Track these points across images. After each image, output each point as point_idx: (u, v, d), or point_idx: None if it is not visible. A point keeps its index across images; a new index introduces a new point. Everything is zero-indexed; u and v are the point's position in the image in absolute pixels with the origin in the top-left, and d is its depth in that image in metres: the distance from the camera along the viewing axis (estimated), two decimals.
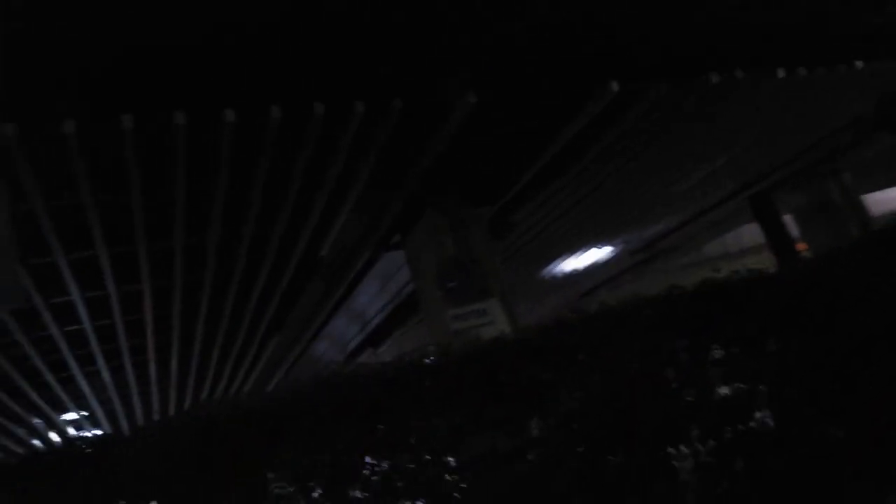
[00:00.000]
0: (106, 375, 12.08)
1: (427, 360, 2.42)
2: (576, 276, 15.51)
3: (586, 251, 14.02)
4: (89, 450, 2.04)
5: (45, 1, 4.46)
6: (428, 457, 2.25)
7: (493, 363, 2.45)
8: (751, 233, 15.92)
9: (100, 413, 14.67)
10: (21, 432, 14.17)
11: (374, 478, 2.24)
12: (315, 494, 2.14)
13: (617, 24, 6.61)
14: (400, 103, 6.36)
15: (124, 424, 15.56)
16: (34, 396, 12.08)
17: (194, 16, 4.91)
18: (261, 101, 5.76)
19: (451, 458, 2.28)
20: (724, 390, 2.85)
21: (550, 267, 14.00)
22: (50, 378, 11.24)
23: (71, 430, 15.07)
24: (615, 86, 7.11)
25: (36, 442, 14.89)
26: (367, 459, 2.21)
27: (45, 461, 2.02)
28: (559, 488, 2.42)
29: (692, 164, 10.82)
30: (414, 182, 7.78)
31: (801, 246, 14.02)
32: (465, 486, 2.30)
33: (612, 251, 14.75)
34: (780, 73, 8.08)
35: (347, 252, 9.64)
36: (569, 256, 13.84)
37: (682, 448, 2.74)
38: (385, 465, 2.24)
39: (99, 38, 4.86)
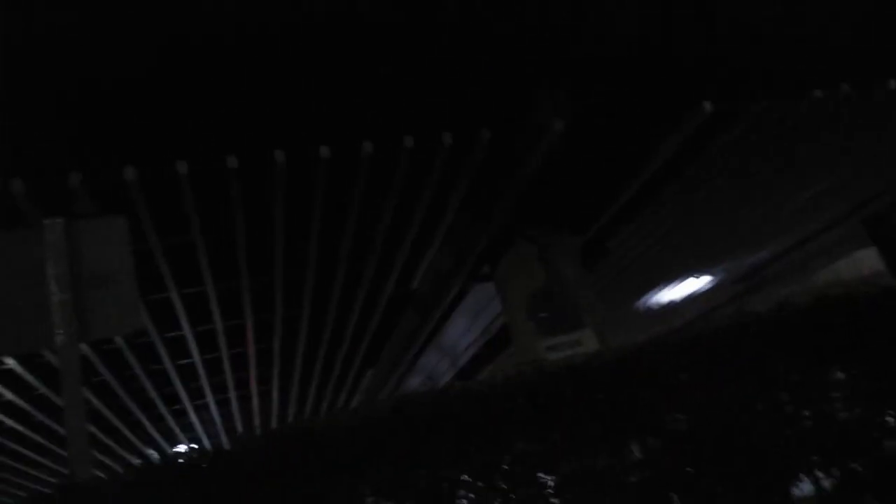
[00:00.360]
0: (213, 408, 12.66)
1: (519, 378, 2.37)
2: (673, 307, 14.88)
3: (684, 281, 13.45)
4: (201, 461, 2.13)
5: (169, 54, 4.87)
6: (522, 476, 2.19)
7: (591, 381, 2.37)
8: (869, 259, 14.78)
9: (208, 446, 15.35)
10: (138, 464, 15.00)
11: (469, 496, 2.20)
12: None
13: (712, 39, 6.42)
14: (488, 133, 6.43)
15: None
16: (150, 428, 12.80)
17: (288, 55, 5.21)
18: (353, 137, 5.98)
19: (547, 478, 2.20)
20: (845, 415, 2.62)
21: (646, 297, 13.51)
22: (164, 410, 11.90)
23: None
24: (708, 106, 6.87)
25: None
26: (462, 478, 2.17)
27: (160, 473, 2.12)
28: None
29: (797, 185, 10.23)
30: (502, 212, 7.78)
31: None
32: None
33: (712, 280, 14.07)
34: (893, 85, 7.55)
35: (438, 284, 9.72)
36: (665, 286, 13.32)
37: (802, 477, 2.53)
38: (479, 483, 2.19)
39: (205, 81, 5.24)
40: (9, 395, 8.94)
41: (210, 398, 12.03)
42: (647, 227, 9.65)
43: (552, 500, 2.19)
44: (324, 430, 2.14)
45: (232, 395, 12.28)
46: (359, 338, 11.08)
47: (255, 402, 13.08)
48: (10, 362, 8.03)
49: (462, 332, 12.43)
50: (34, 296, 3.12)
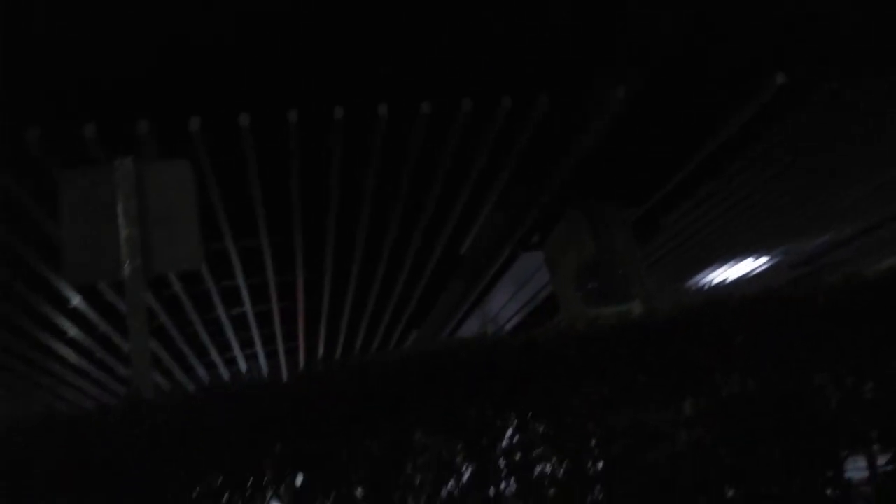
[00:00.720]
0: (262, 359, 13.08)
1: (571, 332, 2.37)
2: (726, 288, 14.52)
3: (739, 262, 13.09)
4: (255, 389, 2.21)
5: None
6: (570, 425, 2.20)
7: (645, 338, 2.35)
8: None
9: None
10: None
11: (514, 440, 2.23)
12: (458, 448, 2.17)
13: (782, 8, 6.13)
14: (547, 99, 6.33)
15: None
16: (203, 374, 13.31)
17: (353, 13, 5.21)
18: (411, 97, 5.98)
19: (595, 429, 2.21)
20: None
21: (698, 276, 13.21)
22: (216, 357, 12.35)
23: None
24: (781, 78, 6.58)
25: None
26: (511, 422, 2.20)
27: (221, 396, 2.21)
28: (708, 472, 2.26)
29: (867, 170, 9.77)
30: (556, 180, 7.69)
31: None
32: (607, 458, 2.22)
33: (769, 264, 13.65)
34: None
35: (486, 251, 9.72)
36: (719, 267, 13.00)
37: (857, 453, 2.47)
38: (527, 428, 2.22)
39: (269, 38, 5.31)
40: (73, 331, 9.44)
41: (259, 349, 12.41)
42: (705, 204, 9.40)
43: (599, 450, 2.20)
44: (379, 365, 2.19)
45: (280, 347, 12.64)
46: (405, 299, 11.21)
47: (302, 356, 13.44)
48: (76, 301, 8.45)
49: (507, 301, 12.44)
50: (105, 231, 3.27)
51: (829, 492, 2.41)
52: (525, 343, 2.32)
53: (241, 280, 8.99)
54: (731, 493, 2.32)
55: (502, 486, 2.19)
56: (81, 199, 3.35)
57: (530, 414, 2.21)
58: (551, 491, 2.26)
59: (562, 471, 2.21)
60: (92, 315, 8.90)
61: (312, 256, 8.80)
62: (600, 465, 2.16)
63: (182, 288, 8.79)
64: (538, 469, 2.25)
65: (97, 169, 3.68)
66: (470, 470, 2.19)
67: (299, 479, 2.12)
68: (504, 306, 12.96)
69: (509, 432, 2.20)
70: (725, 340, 2.38)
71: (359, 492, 2.09)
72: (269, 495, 2.16)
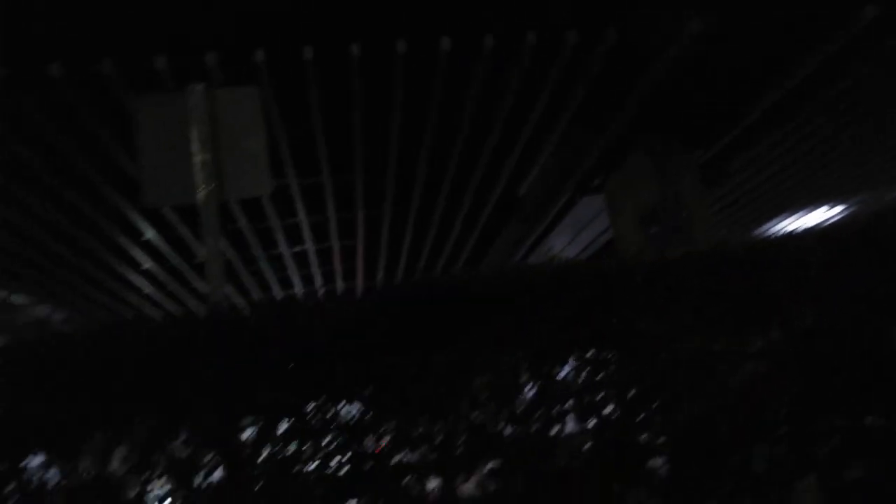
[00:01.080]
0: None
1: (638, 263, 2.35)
2: None
3: (809, 213, 12.54)
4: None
5: None
6: (636, 351, 2.20)
7: (716, 269, 2.30)
8: None
9: None
10: None
11: (579, 364, 2.24)
12: (523, 368, 2.20)
13: None
14: (614, 34, 6.09)
15: None
16: None
17: None
18: (474, 31, 5.85)
19: (660, 356, 2.20)
20: None
21: (768, 226, 12.74)
22: (279, 294, 12.79)
23: None
24: (872, 11, 6.13)
25: None
26: (577, 343, 2.22)
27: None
28: (775, 404, 2.23)
29: None
30: (621, 120, 7.46)
31: None
32: (671, 387, 2.21)
33: (844, 214, 13.03)
34: None
35: (546, 193, 9.61)
36: (790, 216, 12.49)
37: None
38: (592, 350, 2.23)
39: None
40: (148, 264, 9.91)
41: (320, 287, 12.76)
42: (777, 149, 8.99)
43: (664, 378, 2.20)
44: (450, 284, 2.23)
45: (339, 286, 12.97)
46: (463, 240, 11.26)
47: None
48: (149, 234, 8.84)
49: (565, 246, 12.34)
50: (179, 156, 3.38)
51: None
52: (595, 269, 2.31)
53: (303, 217, 9.19)
54: (797, 426, 2.29)
55: (566, 405, 2.23)
56: (156, 124, 3.46)
57: (596, 339, 2.22)
58: (614, 414, 2.28)
59: (627, 396, 2.23)
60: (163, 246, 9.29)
61: (372, 195, 8.90)
62: (664, 393, 2.16)
63: (247, 224, 9.06)
64: (601, 394, 2.27)
65: (170, 95, 3.78)
66: (534, 390, 2.23)
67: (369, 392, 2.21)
68: (562, 251, 12.86)
69: (574, 356, 2.22)
70: (802, 273, 2.31)
71: (424, 406, 2.15)
72: (340, 407, 2.25)
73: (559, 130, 7.58)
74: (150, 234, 8.74)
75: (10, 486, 2.10)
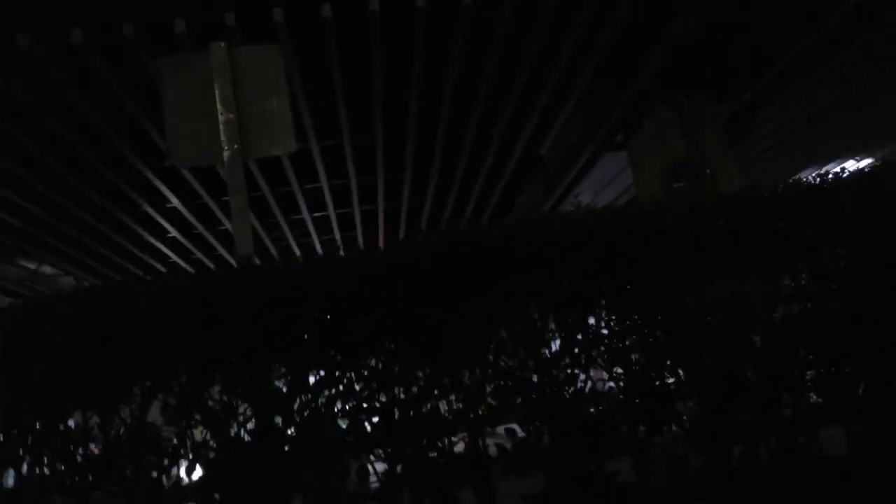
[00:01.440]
0: None
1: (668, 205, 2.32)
2: None
3: (840, 164, 12.25)
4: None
5: None
6: (665, 295, 2.19)
7: (746, 211, 2.27)
8: None
9: None
10: None
11: (607, 311, 2.24)
12: (549, 317, 2.21)
13: None
14: None
15: None
16: None
17: None
18: None
19: (689, 300, 2.19)
20: None
21: (795, 178, 12.45)
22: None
23: None
24: None
25: None
26: (602, 289, 2.22)
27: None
28: (804, 348, 2.22)
29: None
30: (646, 72, 7.29)
31: None
32: (700, 330, 2.21)
33: (873, 165, 12.68)
34: None
35: (568, 151, 9.49)
36: (817, 169, 12.21)
37: None
38: (620, 297, 2.23)
39: None
40: (173, 232, 10.04)
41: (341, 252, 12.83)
42: (803, 99, 8.75)
43: (693, 321, 2.19)
44: (478, 235, 2.23)
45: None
46: (483, 203, 11.22)
47: None
48: (175, 202, 8.94)
49: (587, 206, 12.21)
50: (203, 115, 3.39)
51: None
52: (622, 214, 2.29)
53: (324, 181, 9.21)
54: (825, 369, 2.28)
55: (593, 352, 2.24)
56: (180, 85, 3.47)
57: (624, 286, 2.21)
58: (640, 361, 2.29)
59: (653, 342, 2.23)
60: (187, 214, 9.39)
61: (393, 158, 8.87)
62: (692, 338, 2.16)
63: (269, 190, 9.11)
64: (629, 340, 2.27)
65: (194, 55, 3.77)
66: (560, 338, 2.24)
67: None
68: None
69: (602, 303, 2.22)
70: (833, 217, 2.27)
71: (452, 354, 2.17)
72: (368, 360, 2.29)
73: (582, 84, 7.43)
74: (174, 201, 8.84)
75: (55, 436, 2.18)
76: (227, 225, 9.70)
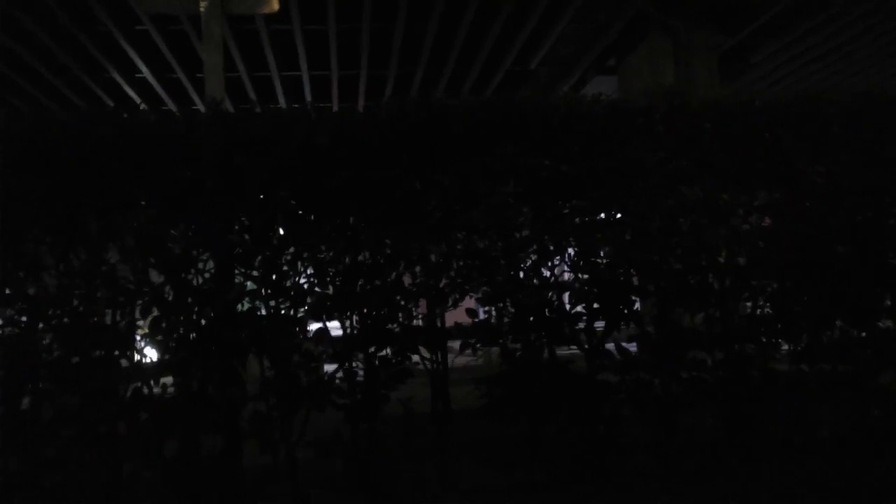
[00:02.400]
0: None
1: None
2: None
3: None
4: None
5: None
6: (641, 192, 2.17)
7: (734, 117, 2.24)
8: None
9: None
10: None
11: (581, 201, 2.22)
12: (524, 197, 2.17)
13: None
14: None
15: None
16: None
17: None
18: None
19: (665, 199, 2.17)
20: None
21: None
22: None
23: None
24: None
25: None
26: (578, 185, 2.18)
27: None
28: (773, 258, 2.24)
29: None
30: None
31: None
32: (672, 231, 2.20)
33: None
34: None
35: (558, 69, 9.27)
36: None
37: None
38: (596, 190, 2.20)
39: None
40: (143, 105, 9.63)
41: None
42: (806, 41, 8.55)
43: (667, 222, 2.18)
44: (457, 108, 2.15)
45: None
46: None
47: None
48: (145, 72, 8.51)
49: None
50: None
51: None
52: (612, 104, 2.23)
53: (304, 69, 8.86)
54: (789, 282, 2.32)
55: (564, 244, 2.21)
56: None
57: (603, 176, 2.17)
58: (606, 256, 2.29)
59: (626, 237, 2.22)
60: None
61: (378, 54, 8.53)
62: (664, 237, 2.14)
63: (245, 72, 8.75)
64: (600, 234, 2.26)
65: None
66: (532, 222, 2.20)
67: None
68: None
69: (578, 191, 2.18)
70: (821, 133, 2.24)
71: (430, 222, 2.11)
72: (337, 217, 2.22)
73: (577, 1, 7.17)
74: (144, 70, 8.38)
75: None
76: (200, 105, 9.31)
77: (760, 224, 2.25)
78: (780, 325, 2.41)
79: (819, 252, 2.25)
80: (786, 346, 2.46)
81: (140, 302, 2.09)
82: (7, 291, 2.07)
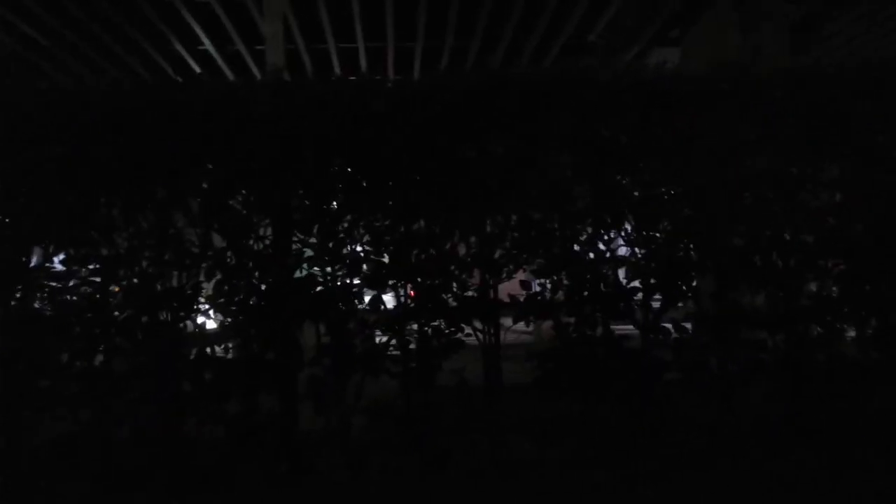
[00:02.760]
0: None
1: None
2: None
3: None
4: None
5: None
6: (702, 161, 2.10)
7: (802, 86, 2.13)
8: None
9: None
10: None
11: (640, 168, 2.16)
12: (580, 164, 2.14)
13: None
14: None
15: None
16: None
17: None
18: None
19: (727, 169, 2.10)
20: None
21: None
22: None
23: None
24: None
25: None
26: (637, 154, 2.13)
27: None
28: (841, 231, 2.15)
29: None
30: None
31: None
32: (733, 203, 2.13)
33: None
34: None
35: (617, 40, 9.01)
36: None
37: None
38: (655, 159, 2.14)
39: None
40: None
41: None
42: (879, 15, 8.09)
43: (727, 192, 2.11)
44: (517, 79, 2.12)
45: None
46: None
47: None
48: (207, 44, 8.69)
49: None
50: None
51: None
52: (675, 73, 2.15)
53: (360, 42, 8.88)
54: (859, 262, 2.21)
55: (622, 217, 2.17)
56: None
57: (663, 146, 2.11)
58: (664, 231, 2.23)
59: (685, 211, 2.16)
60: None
61: (434, 31, 8.47)
62: (726, 212, 2.08)
63: (304, 46, 8.83)
64: (657, 208, 2.20)
65: None
66: (590, 194, 2.16)
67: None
68: None
69: (636, 162, 2.13)
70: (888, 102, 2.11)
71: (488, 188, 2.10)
72: (392, 186, 2.23)
73: None
74: (206, 43, 8.54)
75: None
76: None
77: (831, 199, 2.15)
78: (847, 308, 2.32)
79: (892, 230, 2.14)
80: (852, 332, 2.37)
81: (204, 265, 2.17)
82: (82, 252, 2.17)
